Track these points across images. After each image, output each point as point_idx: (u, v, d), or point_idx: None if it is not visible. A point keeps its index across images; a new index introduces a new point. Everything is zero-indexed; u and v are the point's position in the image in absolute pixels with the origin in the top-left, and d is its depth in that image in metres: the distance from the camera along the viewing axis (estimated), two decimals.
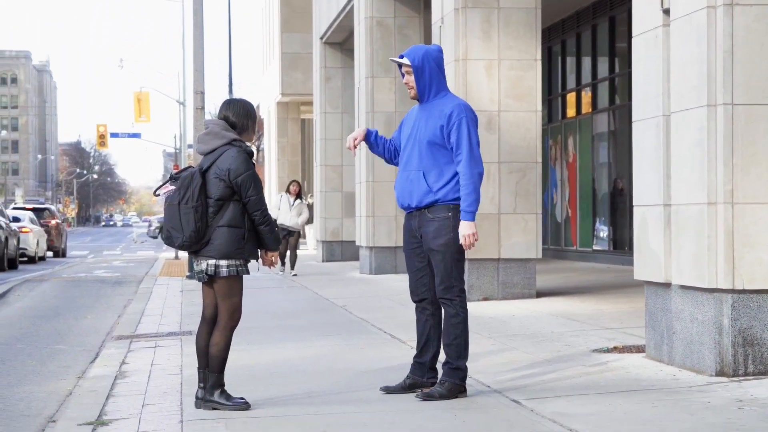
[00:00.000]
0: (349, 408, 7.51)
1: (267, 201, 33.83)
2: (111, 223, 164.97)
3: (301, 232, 25.32)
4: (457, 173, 7.75)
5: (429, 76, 7.84)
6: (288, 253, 23.64)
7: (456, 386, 7.73)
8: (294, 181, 24.44)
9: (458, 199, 7.75)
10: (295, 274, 23.06)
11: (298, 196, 23.51)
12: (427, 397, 7.68)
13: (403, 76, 7.96)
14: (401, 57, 7.92)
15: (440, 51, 7.99)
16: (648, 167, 9.27)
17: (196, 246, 7.56)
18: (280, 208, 23.32)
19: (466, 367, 7.79)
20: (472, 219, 7.71)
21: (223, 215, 7.52)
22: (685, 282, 8.63)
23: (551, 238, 26.47)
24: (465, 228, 7.69)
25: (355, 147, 8.08)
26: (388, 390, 7.99)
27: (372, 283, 19.81)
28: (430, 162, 7.78)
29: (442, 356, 7.94)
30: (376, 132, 8.18)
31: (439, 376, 7.88)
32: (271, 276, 22.40)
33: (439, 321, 7.98)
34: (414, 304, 8.08)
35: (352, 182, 26.85)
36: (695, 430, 6.51)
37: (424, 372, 7.96)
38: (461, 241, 7.71)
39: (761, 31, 8.26)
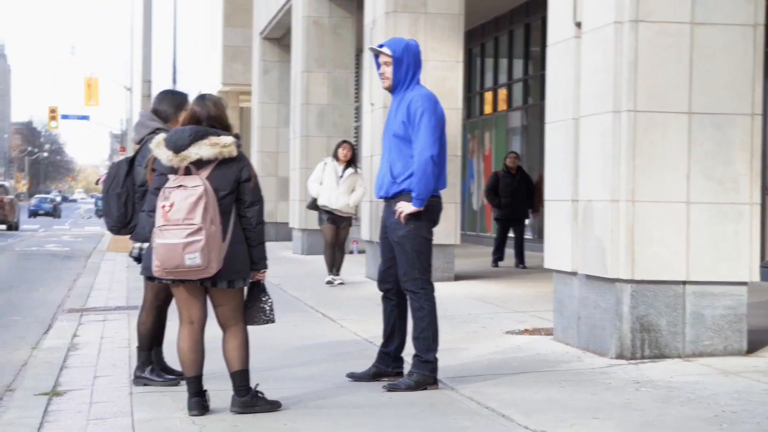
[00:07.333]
0: (285, 384, 7.50)
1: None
2: (70, 199, 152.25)
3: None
4: None
5: (406, 69, 7.37)
6: (331, 251, 14.83)
7: (424, 378, 7.27)
8: (344, 141, 15.03)
9: None
10: (341, 282, 14.81)
11: (350, 163, 14.76)
12: (393, 388, 7.21)
13: (378, 66, 7.48)
14: (381, 46, 7.48)
15: (418, 46, 7.55)
16: (558, 166, 9.36)
17: (124, 230, 7.51)
18: (323, 182, 14.62)
19: (436, 359, 7.35)
20: (419, 206, 7.19)
21: (146, 201, 7.33)
22: (590, 272, 8.75)
23: (468, 224, 26.58)
24: (407, 206, 7.22)
25: None
26: (354, 377, 7.59)
27: (304, 263, 19.77)
28: (396, 154, 7.33)
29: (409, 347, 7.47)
30: None
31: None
32: None
33: (404, 312, 7.53)
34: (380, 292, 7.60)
35: (286, 167, 26.68)
36: (597, 410, 6.61)
37: (388, 362, 7.57)
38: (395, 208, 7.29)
39: (662, 45, 8.39)
